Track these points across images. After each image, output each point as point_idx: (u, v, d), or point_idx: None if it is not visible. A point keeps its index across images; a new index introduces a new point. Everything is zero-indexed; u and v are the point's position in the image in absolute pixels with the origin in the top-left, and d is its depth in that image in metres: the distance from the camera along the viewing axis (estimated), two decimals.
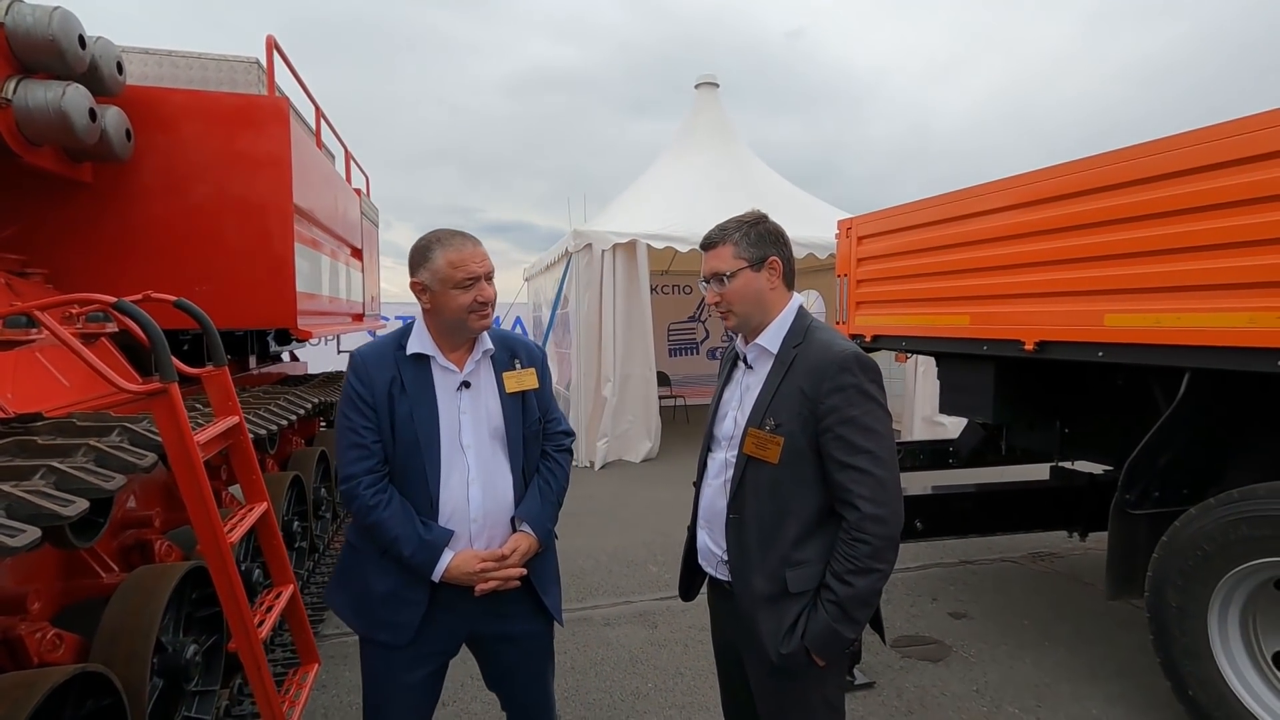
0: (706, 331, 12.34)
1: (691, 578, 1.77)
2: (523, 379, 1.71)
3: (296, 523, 3.75)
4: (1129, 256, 2.65)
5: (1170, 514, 2.63)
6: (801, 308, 1.58)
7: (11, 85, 2.42)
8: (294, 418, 3.02)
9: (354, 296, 5.04)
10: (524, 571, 1.63)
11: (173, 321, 2.97)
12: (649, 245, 7.49)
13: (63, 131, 2.49)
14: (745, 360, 1.59)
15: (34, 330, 1.60)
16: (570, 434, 1.85)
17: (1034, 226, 3.04)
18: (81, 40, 2.55)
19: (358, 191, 5.29)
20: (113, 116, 2.75)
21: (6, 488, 1.24)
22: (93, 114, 2.58)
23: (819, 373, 1.45)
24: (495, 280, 1.65)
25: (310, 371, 5.62)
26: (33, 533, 1.18)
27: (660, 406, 10.40)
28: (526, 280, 11.97)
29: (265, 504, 1.99)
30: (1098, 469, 3.77)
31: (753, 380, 1.56)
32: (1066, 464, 3.88)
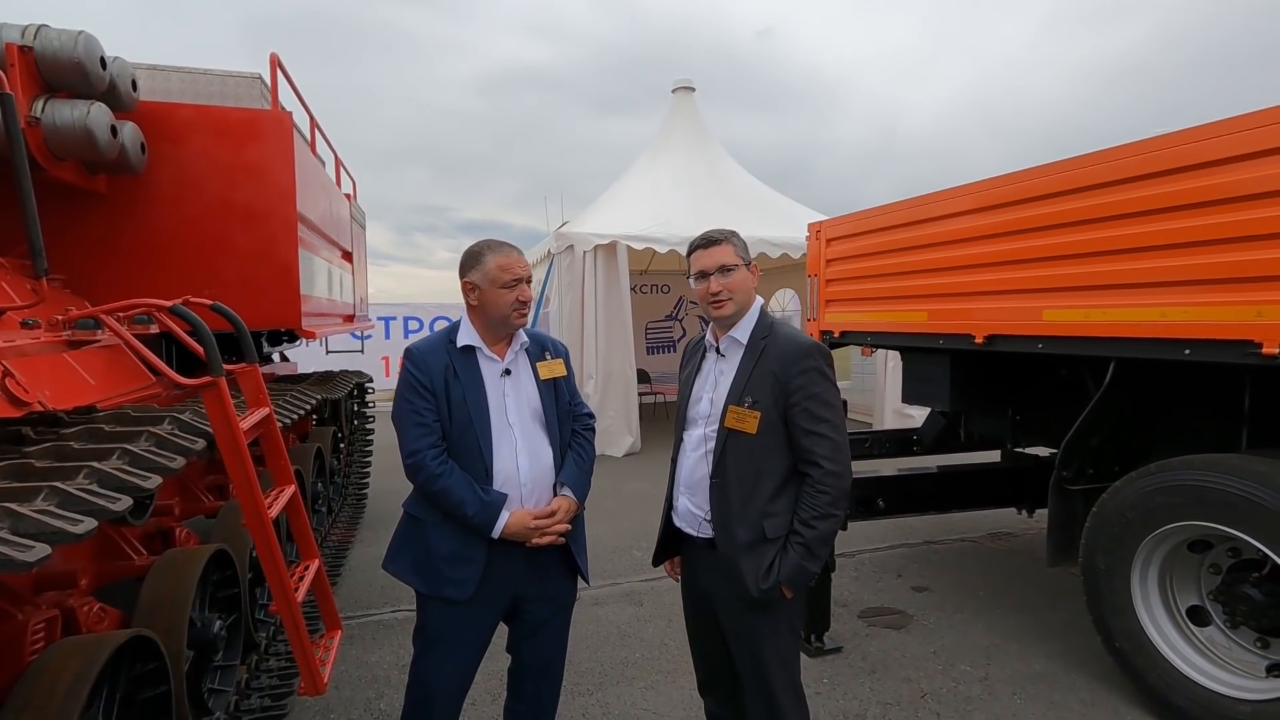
0: (683, 330, 12.62)
1: (666, 546, 2.04)
2: (553, 368, 2.02)
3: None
4: (1064, 259, 2.96)
5: (1103, 489, 2.95)
6: (763, 307, 1.87)
7: (40, 104, 2.59)
8: (306, 409, 3.22)
9: (345, 298, 5.22)
10: (569, 528, 1.92)
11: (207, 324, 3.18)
12: (629, 246, 7.73)
13: (86, 147, 2.67)
14: (718, 350, 1.86)
15: (99, 331, 1.80)
16: (592, 416, 2.15)
17: (981, 231, 3.35)
18: (102, 61, 2.73)
19: (347, 196, 5.46)
20: (129, 131, 2.93)
21: (98, 464, 1.45)
22: (113, 130, 2.76)
23: (788, 358, 1.73)
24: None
25: (302, 371, 5.78)
26: (124, 501, 1.40)
27: (640, 403, 10.70)
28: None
29: (293, 486, 2.20)
30: (1045, 452, 4.11)
31: (725, 367, 1.83)
32: (1020, 449, 4.22)
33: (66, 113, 2.61)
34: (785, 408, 1.73)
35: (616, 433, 7.95)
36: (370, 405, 6.60)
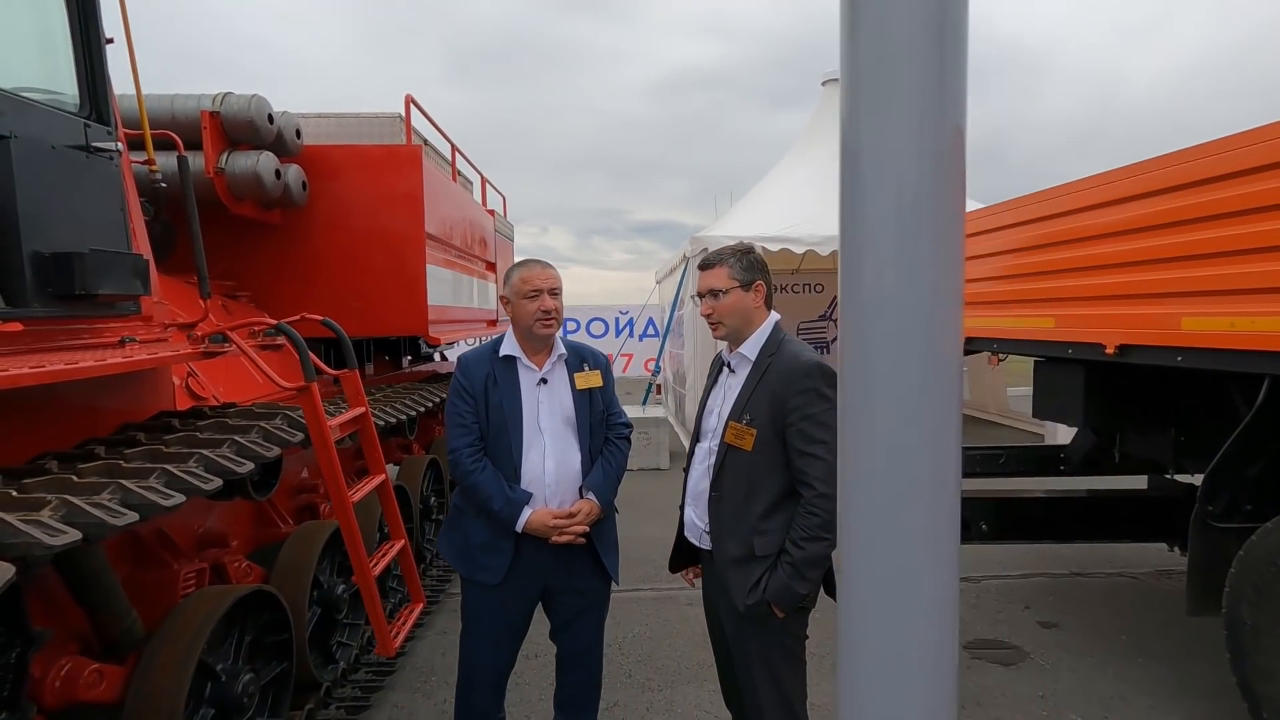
0: (838, 331, 12.14)
1: (681, 554, 2.09)
2: (590, 379, 2.17)
3: (433, 498, 4.47)
4: (1206, 257, 2.55)
5: (1255, 529, 2.49)
6: (777, 323, 1.86)
7: (224, 157, 3.23)
8: (414, 413, 3.67)
9: (488, 305, 5.77)
10: (587, 529, 2.07)
11: (352, 331, 3.77)
12: (764, 248, 7.65)
13: (257, 188, 3.27)
14: (729, 366, 1.89)
15: (226, 345, 2.25)
16: (628, 425, 2.28)
17: (1113, 227, 2.97)
18: (270, 117, 3.33)
19: (491, 212, 6.02)
20: (293, 173, 3.53)
21: (206, 452, 1.85)
22: (277, 173, 3.35)
23: (787, 378, 1.72)
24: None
25: None
26: (215, 482, 1.78)
27: None
28: (658, 283, 12.49)
29: (383, 475, 2.56)
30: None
31: (734, 382, 1.86)
32: (1185, 476, 3.64)
33: (242, 162, 3.22)
34: (783, 427, 1.72)
35: None
36: None
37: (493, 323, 6.07)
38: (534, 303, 2.04)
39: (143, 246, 2.25)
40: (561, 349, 2.16)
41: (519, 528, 2.02)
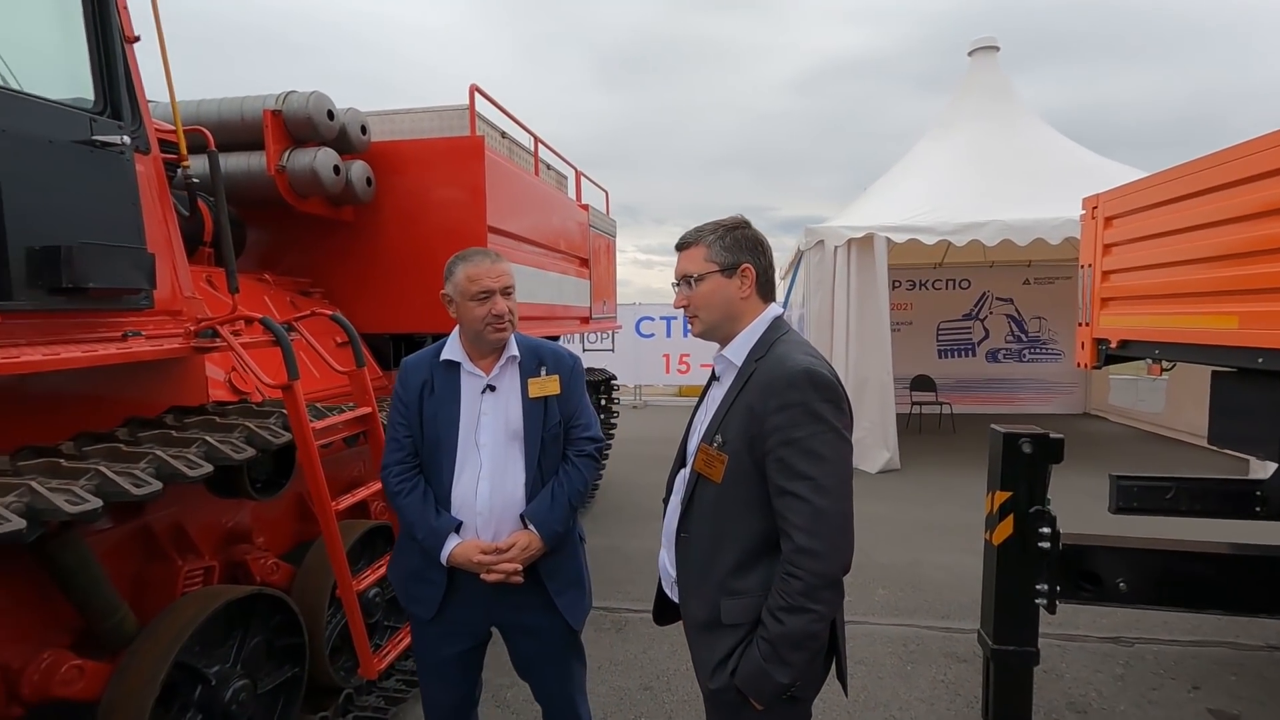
0: (986, 331, 10.83)
1: (665, 604, 1.66)
2: (545, 385, 1.83)
3: None
4: None
5: None
6: (777, 320, 1.43)
7: (286, 155, 3.28)
8: None
9: (577, 302, 5.62)
10: (518, 567, 1.74)
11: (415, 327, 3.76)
12: (889, 239, 6.89)
13: (316, 185, 3.29)
14: (714, 372, 1.49)
15: (292, 334, 2.28)
16: (596, 440, 1.91)
17: None
18: (330, 114, 3.33)
19: (585, 207, 5.86)
20: (357, 169, 3.53)
21: (208, 437, 1.87)
22: (337, 169, 3.35)
23: (768, 388, 1.31)
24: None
25: None
26: (204, 468, 1.73)
27: (923, 414, 9.52)
28: (782, 279, 11.85)
29: (379, 485, 2.41)
30: None
31: (718, 393, 1.46)
32: None
33: (301, 159, 3.25)
34: (761, 454, 1.31)
35: (870, 446, 7.17)
36: (615, 401, 7.02)
37: (585, 320, 5.92)
38: (483, 306, 1.74)
39: (162, 242, 2.26)
40: (514, 350, 1.84)
41: (443, 560, 1.74)
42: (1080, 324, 3.77)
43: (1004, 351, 10.81)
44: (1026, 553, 2.50)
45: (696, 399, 1.62)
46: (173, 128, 2.45)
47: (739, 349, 1.44)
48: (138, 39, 2.28)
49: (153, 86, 2.36)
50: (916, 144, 8.90)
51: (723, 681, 1.34)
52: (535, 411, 1.82)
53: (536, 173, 4.80)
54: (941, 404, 9.54)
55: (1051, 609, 2.47)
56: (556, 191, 5.30)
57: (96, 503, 1.50)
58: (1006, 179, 7.34)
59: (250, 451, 1.96)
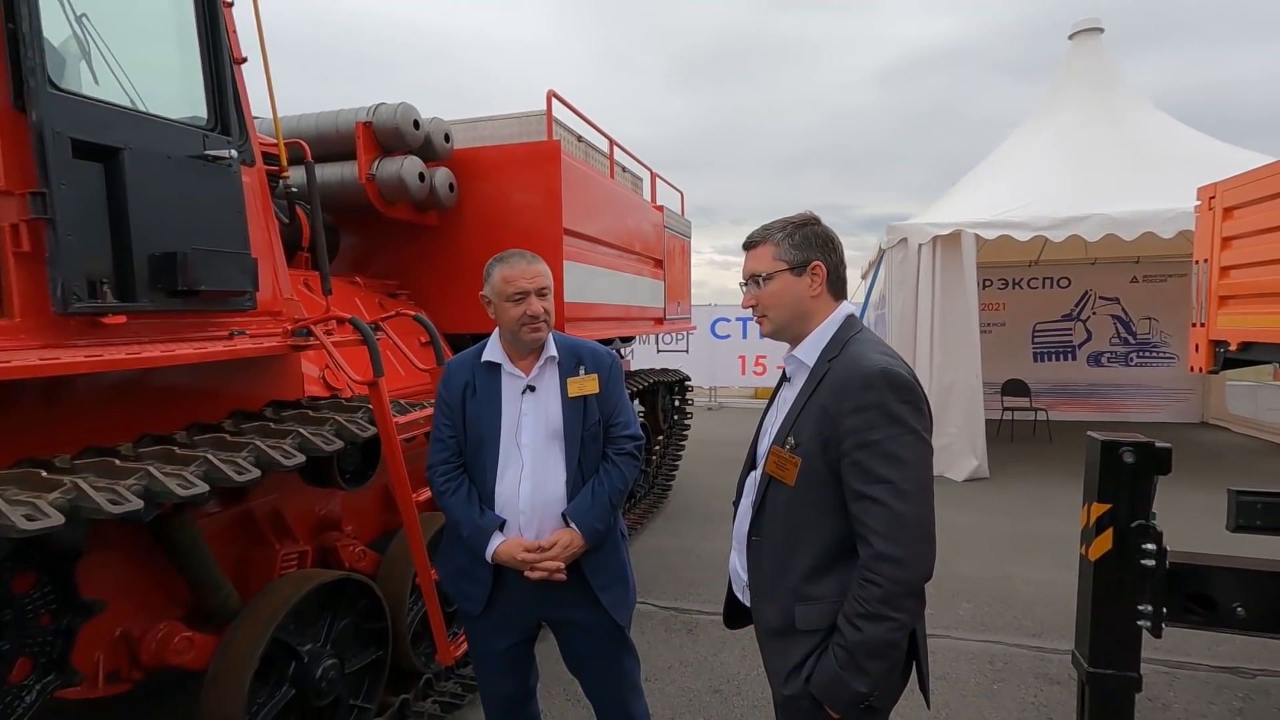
0: (1088, 333, 10.13)
1: (736, 608, 1.64)
2: (584, 384, 1.86)
3: None
4: None
5: None
6: (850, 318, 1.39)
7: (375, 164, 3.46)
8: None
9: (651, 303, 5.64)
10: (561, 565, 1.77)
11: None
12: (977, 235, 6.56)
13: (402, 192, 3.45)
14: (786, 373, 1.47)
15: (379, 333, 2.44)
16: (635, 438, 1.93)
17: None
18: (416, 123, 3.49)
19: (660, 208, 5.88)
20: (440, 176, 3.68)
21: (302, 429, 2.01)
22: (421, 176, 3.51)
23: (842, 389, 1.28)
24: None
25: (632, 367, 6.45)
26: (298, 458, 1.85)
27: (1015, 421, 9.02)
28: (862, 278, 11.50)
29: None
30: None
31: (789, 394, 1.44)
32: None
33: (389, 167, 3.42)
34: (836, 456, 1.27)
35: (957, 453, 6.85)
36: (690, 403, 7.00)
37: (659, 321, 5.94)
38: (519, 307, 1.78)
39: (264, 248, 2.43)
40: (552, 350, 1.87)
41: (488, 557, 1.78)
42: (1194, 324, 3.48)
43: (1108, 355, 10.09)
44: (1127, 570, 2.32)
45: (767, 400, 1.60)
46: (274, 141, 2.63)
47: (810, 349, 1.41)
48: (245, 60, 2.46)
49: (255, 104, 2.54)
50: (1010, 136, 8.45)
51: (797, 688, 1.32)
52: (575, 411, 1.84)
53: (612, 175, 4.85)
54: (1036, 410, 9.00)
55: (1156, 632, 2.28)
56: (631, 193, 5.35)
57: (204, 487, 1.63)
58: (1110, 170, 6.86)
59: (339, 444, 2.08)
